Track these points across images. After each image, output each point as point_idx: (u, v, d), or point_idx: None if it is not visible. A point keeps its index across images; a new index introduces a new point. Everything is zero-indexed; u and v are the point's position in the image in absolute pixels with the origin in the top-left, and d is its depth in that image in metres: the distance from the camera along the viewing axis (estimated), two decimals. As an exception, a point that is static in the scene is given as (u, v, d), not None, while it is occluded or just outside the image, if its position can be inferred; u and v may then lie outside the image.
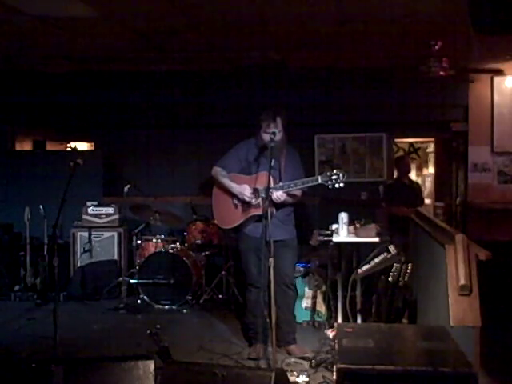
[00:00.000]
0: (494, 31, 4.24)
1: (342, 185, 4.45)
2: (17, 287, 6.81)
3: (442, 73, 6.02)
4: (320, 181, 4.50)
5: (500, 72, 7.16)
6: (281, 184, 4.66)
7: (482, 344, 3.47)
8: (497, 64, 6.98)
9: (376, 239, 5.09)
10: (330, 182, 4.47)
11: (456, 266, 3.66)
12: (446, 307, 3.62)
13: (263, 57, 6.59)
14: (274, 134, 4.60)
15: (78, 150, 9.31)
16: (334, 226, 5.33)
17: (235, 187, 4.84)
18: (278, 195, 4.60)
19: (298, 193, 4.82)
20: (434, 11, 4.76)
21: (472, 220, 7.32)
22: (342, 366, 2.94)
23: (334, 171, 4.46)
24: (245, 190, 4.78)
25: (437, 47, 5.67)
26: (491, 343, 3.85)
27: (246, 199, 4.78)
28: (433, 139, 9.36)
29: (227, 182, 4.90)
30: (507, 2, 3.86)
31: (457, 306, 3.57)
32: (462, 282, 3.57)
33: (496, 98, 7.33)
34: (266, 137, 4.65)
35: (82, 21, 5.07)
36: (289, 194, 4.70)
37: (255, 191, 4.77)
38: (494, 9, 3.89)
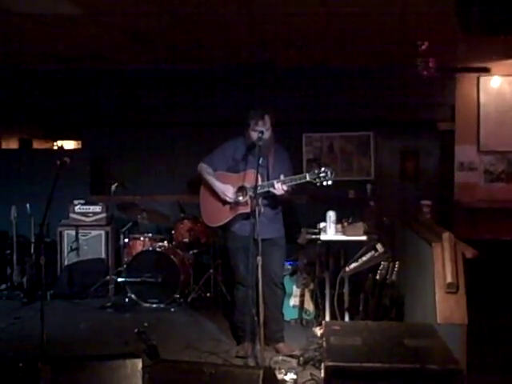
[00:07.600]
0: (480, 32, 4.29)
1: (330, 182, 4.43)
2: (3, 286, 6.79)
3: (426, 73, 6.07)
4: (308, 178, 4.48)
5: (486, 70, 7.21)
6: (267, 182, 4.63)
7: (469, 341, 3.50)
8: (484, 64, 7.05)
9: (364, 237, 5.09)
10: (317, 180, 4.44)
11: (443, 264, 3.70)
12: (433, 305, 3.66)
13: (251, 56, 6.60)
14: (262, 132, 4.59)
15: (65, 148, 9.27)
16: (322, 225, 5.33)
17: (218, 186, 4.82)
18: (279, 186, 4.51)
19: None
20: (422, 12, 4.79)
21: (459, 219, 7.36)
22: (330, 363, 2.96)
23: (322, 169, 4.43)
24: (227, 191, 4.76)
25: (424, 47, 5.71)
26: (477, 341, 3.88)
27: (228, 200, 4.76)
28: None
29: (211, 179, 4.87)
30: (494, 4, 3.91)
31: (444, 303, 3.61)
32: (449, 279, 3.60)
33: (482, 97, 7.37)
34: (254, 135, 4.63)
35: (68, 19, 5.05)
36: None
37: (242, 189, 4.74)
38: (481, 10, 3.94)
